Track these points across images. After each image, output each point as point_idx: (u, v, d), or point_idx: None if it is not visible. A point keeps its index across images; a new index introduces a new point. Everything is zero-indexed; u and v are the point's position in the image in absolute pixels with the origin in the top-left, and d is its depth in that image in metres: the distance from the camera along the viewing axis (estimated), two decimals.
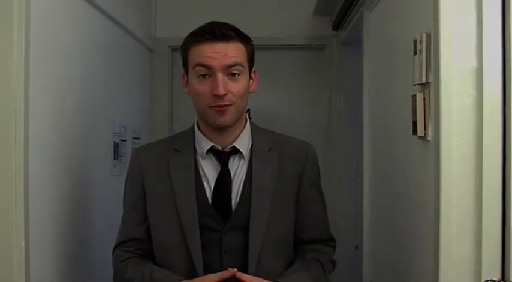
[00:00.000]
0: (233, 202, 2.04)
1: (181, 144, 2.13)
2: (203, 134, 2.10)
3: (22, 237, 2.10)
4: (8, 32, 2.06)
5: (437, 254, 1.80)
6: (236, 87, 1.97)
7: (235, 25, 2.04)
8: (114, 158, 3.40)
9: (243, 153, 2.07)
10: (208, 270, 1.97)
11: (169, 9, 4.49)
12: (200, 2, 4.43)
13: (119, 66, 3.52)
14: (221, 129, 2.03)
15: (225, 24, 2.02)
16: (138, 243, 2.13)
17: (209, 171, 2.06)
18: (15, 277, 2.09)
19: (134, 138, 3.85)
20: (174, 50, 4.56)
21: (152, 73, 4.47)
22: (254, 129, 2.15)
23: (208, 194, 2.04)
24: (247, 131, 2.11)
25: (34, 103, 2.19)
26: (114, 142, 3.40)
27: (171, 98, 4.58)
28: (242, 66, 1.99)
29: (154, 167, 2.10)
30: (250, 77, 2.07)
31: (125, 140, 3.61)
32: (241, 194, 2.04)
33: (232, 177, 2.05)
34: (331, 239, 2.23)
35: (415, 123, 2.02)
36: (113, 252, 2.17)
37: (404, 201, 2.24)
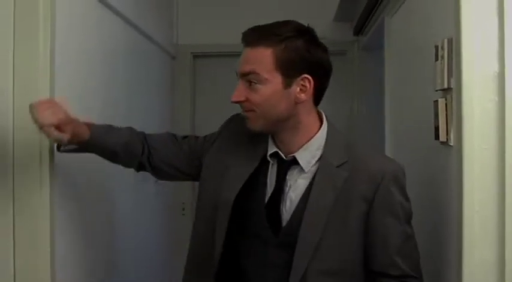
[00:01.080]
0: (284, 217, 1.89)
1: (262, 137, 1.98)
2: (272, 136, 1.96)
3: (48, 243, 2.12)
4: (34, 39, 2.08)
5: (460, 259, 1.80)
6: (254, 96, 1.84)
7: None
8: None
9: (303, 166, 1.89)
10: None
11: (191, 17, 4.53)
12: (221, 9, 4.47)
13: (141, 73, 3.56)
14: (276, 134, 1.92)
15: (259, 27, 1.87)
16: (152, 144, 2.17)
17: (272, 177, 1.93)
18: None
19: None
20: (195, 56, 4.60)
21: (174, 80, 4.51)
22: (330, 138, 1.92)
23: (265, 200, 1.92)
24: (316, 142, 1.91)
25: None
26: None
27: (193, 105, 4.61)
28: (257, 74, 1.81)
29: (230, 141, 2.06)
30: (288, 83, 1.82)
31: None
32: (294, 211, 1.88)
33: (287, 190, 1.90)
34: (409, 276, 1.89)
35: (437, 129, 2.02)
36: None
37: (426, 206, 2.24)
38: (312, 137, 1.91)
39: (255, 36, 1.84)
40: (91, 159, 2.50)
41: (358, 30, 4.13)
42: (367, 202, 1.85)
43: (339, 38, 4.40)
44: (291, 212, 1.88)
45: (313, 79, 1.83)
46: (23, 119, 2.04)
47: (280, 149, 1.92)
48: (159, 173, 2.23)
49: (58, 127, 1.85)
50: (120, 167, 2.93)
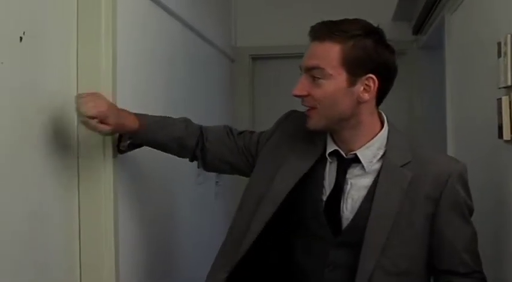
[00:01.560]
0: (346, 216, 1.87)
1: (320, 135, 1.95)
2: (331, 134, 1.93)
3: (112, 243, 2.17)
4: (96, 43, 2.13)
5: None
6: (316, 91, 1.81)
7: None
8: (198, 167, 3.45)
9: (364, 164, 1.86)
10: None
11: (249, 19, 4.56)
12: (279, 11, 4.48)
13: (200, 76, 3.59)
14: (335, 133, 1.90)
15: (329, 22, 1.84)
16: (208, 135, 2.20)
17: (330, 176, 1.91)
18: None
19: None
20: (254, 58, 4.62)
21: (233, 82, 4.54)
22: (392, 138, 1.89)
23: (323, 199, 1.90)
24: (378, 141, 1.87)
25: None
26: None
27: (252, 107, 4.64)
28: (322, 69, 1.79)
29: (288, 136, 2.03)
30: (353, 81, 1.80)
31: None
32: (358, 211, 1.85)
33: (347, 189, 1.88)
34: (476, 272, 1.88)
35: (500, 127, 1.99)
36: None
37: (488, 207, 2.21)
38: (374, 137, 1.88)
39: (324, 30, 1.82)
40: (152, 157, 2.54)
41: (418, 29, 4.08)
42: (433, 202, 1.82)
43: (397, 38, 4.31)
44: (354, 212, 1.85)
45: (378, 79, 1.80)
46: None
47: (339, 148, 1.89)
48: (211, 167, 2.25)
49: (100, 120, 1.90)
50: (181, 169, 2.98)
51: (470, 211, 1.88)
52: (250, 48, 4.56)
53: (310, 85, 1.83)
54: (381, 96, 1.87)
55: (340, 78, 1.79)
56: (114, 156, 2.18)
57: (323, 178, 1.91)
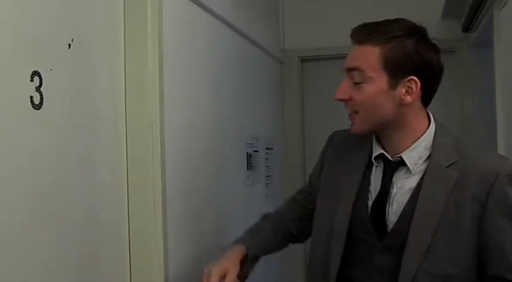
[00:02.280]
0: (391, 219, 1.84)
1: (367, 141, 1.95)
2: (376, 137, 1.93)
3: (161, 244, 2.22)
4: (143, 48, 2.20)
5: None
6: (358, 95, 1.81)
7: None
8: (247, 168, 3.49)
9: (410, 166, 1.83)
10: None
11: (297, 21, 4.57)
12: (327, 12, 4.48)
13: (249, 79, 3.63)
14: (381, 136, 1.89)
15: (368, 24, 1.84)
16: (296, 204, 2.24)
17: (376, 180, 1.89)
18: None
19: (267, 148, 3.94)
20: (303, 60, 4.63)
21: (282, 84, 4.55)
22: (439, 138, 1.85)
23: (369, 204, 1.88)
24: (424, 142, 1.84)
25: (169, 117, 2.31)
26: (247, 153, 3.50)
27: (301, 108, 4.64)
28: (362, 72, 1.79)
29: (337, 155, 2.05)
30: (394, 84, 1.78)
31: (257, 151, 3.70)
32: (402, 213, 1.82)
33: (394, 192, 1.85)
34: None
35: None
36: None
37: None
38: (419, 138, 1.85)
39: (364, 33, 1.82)
40: (200, 159, 2.58)
41: (467, 27, 4.03)
42: (480, 204, 1.76)
43: (447, 36, 4.30)
44: (398, 214, 1.83)
45: (421, 81, 1.78)
46: (134, 122, 2.19)
47: (385, 150, 1.88)
48: (307, 236, 2.21)
49: None
50: (231, 170, 3.01)
51: None
52: (299, 50, 4.57)
53: (352, 89, 1.83)
54: (426, 96, 1.84)
55: (381, 80, 1.78)
56: (162, 160, 2.23)
57: (369, 183, 1.90)
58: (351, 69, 1.83)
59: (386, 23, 1.83)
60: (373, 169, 1.91)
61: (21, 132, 1.61)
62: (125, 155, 2.18)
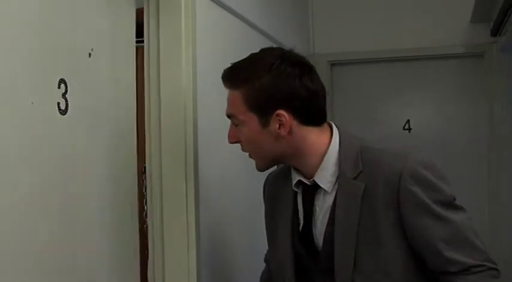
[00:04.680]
0: (319, 242, 1.84)
1: (290, 174, 1.93)
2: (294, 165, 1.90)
3: (194, 240, 2.26)
4: (178, 50, 2.26)
5: None
6: (241, 136, 1.83)
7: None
8: None
9: (324, 186, 1.81)
10: None
11: (326, 25, 4.61)
12: (356, 16, 4.52)
13: None
14: (290, 165, 1.90)
15: (229, 69, 1.86)
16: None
17: (301, 206, 1.89)
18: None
19: None
20: (332, 65, 4.67)
21: None
22: (344, 149, 1.82)
23: (299, 229, 1.90)
24: (330, 157, 1.81)
25: (203, 120, 2.37)
26: None
27: (331, 112, 4.64)
28: (236, 117, 1.81)
29: (272, 196, 2.02)
30: (265, 122, 1.77)
31: None
32: (325, 234, 1.82)
33: (317, 214, 1.84)
34: (474, 266, 1.73)
35: None
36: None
37: None
38: (325, 155, 1.81)
39: (225, 79, 1.85)
40: (232, 162, 2.63)
41: (496, 31, 4.04)
42: (393, 209, 1.73)
43: (476, 40, 4.33)
44: (322, 235, 1.83)
45: (289, 112, 1.75)
46: (169, 124, 2.25)
47: (303, 176, 1.85)
48: None
49: None
50: (260, 176, 3.04)
51: (444, 203, 1.75)
52: (328, 55, 4.60)
53: (236, 131, 1.85)
54: (307, 119, 1.80)
55: (252, 122, 1.79)
56: (195, 164, 2.29)
57: (297, 210, 1.90)
58: (228, 116, 1.86)
59: (242, 63, 1.84)
60: (298, 196, 1.90)
61: (50, 136, 1.69)
62: (159, 158, 2.26)
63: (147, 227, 2.34)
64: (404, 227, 1.74)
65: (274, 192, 2.00)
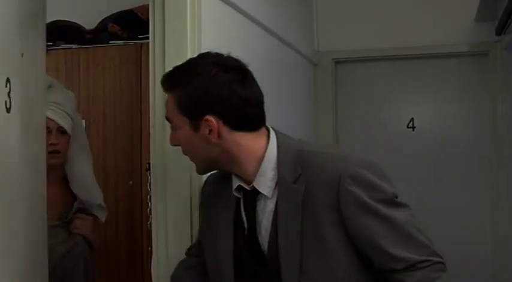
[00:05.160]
0: (264, 248, 1.84)
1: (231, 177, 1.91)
2: None
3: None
4: (183, 49, 2.27)
5: None
6: (178, 140, 1.86)
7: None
8: None
9: (264, 192, 1.80)
10: None
11: (330, 23, 4.61)
12: (361, 14, 4.52)
13: (284, 80, 3.68)
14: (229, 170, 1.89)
15: (166, 74, 1.89)
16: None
17: (243, 211, 1.88)
18: None
19: None
20: (337, 62, 4.68)
21: (316, 86, 4.60)
22: (282, 154, 1.81)
23: (246, 237, 1.88)
24: (267, 165, 1.80)
25: None
26: None
27: (335, 110, 4.68)
28: (171, 120, 1.84)
29: (212, 196, 2.00)
30: (195, 126, 1.79)
31: None
32: (269, 240, 1.81)
33: (260, 220, 1.84)
34: (420, 262, 1.72)
35: None
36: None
37: None
38: (262, 160, 1.81)
39: (162, 82, 1.88)
40: None
41: (501, 30, 4.04)
42: (335, 210, 1.73)
43: (480, 39, 4.32)
44: (267, 240, 1.82)
45: (218, 117, 1.77)
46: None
47: (243, 182, 1.85)
48: None
49: None
50: None
51: (385, 201, 1.75)
52: (333, 52, 4.61)
53: (175, 134, 1.87)
54: (239, 125, 1.80)
55: (184, 126, 1.80)
56: None
57: (241, 214, 1.89)
58: (166, 118, 1.89)
59: (179, 68, 1.86)
60: (241, 202, 1.89)
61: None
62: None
63: (150, 223, 2.36)
64: (347, 228, 1.73)
65: (214, 194, 1.99)
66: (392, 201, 1.77)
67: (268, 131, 1.87)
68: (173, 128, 1.86)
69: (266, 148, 1.82)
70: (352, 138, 4.61)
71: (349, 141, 4.62)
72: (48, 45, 3.29)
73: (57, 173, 2.64)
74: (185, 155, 1.90)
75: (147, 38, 2.37)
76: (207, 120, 1.76)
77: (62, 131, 2.58)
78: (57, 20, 3.54)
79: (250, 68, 3.00)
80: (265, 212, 1.82)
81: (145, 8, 3.03)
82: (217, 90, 1.76)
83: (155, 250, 2.29)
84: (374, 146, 4.53)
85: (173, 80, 1.83)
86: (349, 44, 4.57)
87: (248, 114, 1.81)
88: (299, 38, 4.08)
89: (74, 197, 2.69)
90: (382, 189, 1.76)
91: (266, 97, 3.31)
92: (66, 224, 2.59)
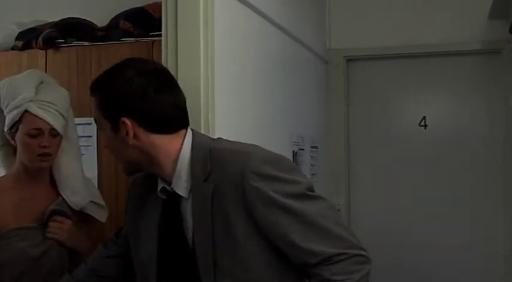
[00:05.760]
0: (191, 244, 1.84)
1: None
2: None
3: None
4: (195, 46, 2.27)
5: None
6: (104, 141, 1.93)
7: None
8: None
9: (181, 193, 1.83)
10: None
11: (342, 21, 4.59)
12: (373, 12, 4.49)
13: (296, 78, 3.68)
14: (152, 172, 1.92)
15: (97, 77, 1.91)
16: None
17: (170, 212, 1.90)
18: None
19: (312, 147, 3.98)
20: (349, 60, 4.66)
21: (328, 83, 4.59)
22: (195, 153, 1.83)
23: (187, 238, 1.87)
24: (182, 166, 1.82)
25: (219, 113, 2.38)
26: (293, 151, 3.56)
27: (347, 107, 4.66)
28: (96, 121, 1.89)
29: (138, 197, 2.01)
30: (115, 128, 1.82)
31: (303, 149, 3.76)
32: (192, 236, 1.83)
33: (185, 222, 1.85)
34: (335, 255, 1.70)
35: None
36: None
37: None
38: (177, 161, 1.83)
39: (90, 87, 1.90)
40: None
41: None
42: (243, 207, 1.73)
43: (493, 37, 4.28)
44: (191, 237, 1.83)
45: (132, 120, 1.79)
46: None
47: (167, 183, 1.87)
48: None
49: None
50: None
51: (294, 194, 1.73)
52: (345, 50, 4.58)
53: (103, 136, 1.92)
54: (155, 126, 1.82)
55: (106, 127, 1.85)
56: None
57: (167, 217, 1.90)
58: (94, 120, 1.92)
59: (105, 72, 1.89)
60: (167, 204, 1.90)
61: None
62: None
63: None
64: (258, 224, 1.73)
65: (141, 194, 1.99)
66: (304, 195, 1.75)
67: (186, 131, 1.89)
68: (100, 130, 1.91)
69: (180, 149, 1.84)
70: (364, 135, 4.60)
71: (360, 137, 4.61)
72: (59, 43, 3.36)
73: (45, 174, 2.53)
74: (114, 157, 1.97)
75: (159, 35, 2.36)
76: (123, 122, 1.79)
77: (54, 133, 2.43)
78: (68, 18, 3.55)
79: (263, 64, 3.01)
80: (187, 210, 1.84)
81: (156, 6, 3.04)
82: (131, 94, 1.79)
83: None
84: (386, 144, 4.53)
85: (96, 83, 1.88)
86: (361, 41, 4.55)
87: (163, 117, 1.83)
88: (311, 36, 4.07)
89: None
90: (289, 183, 1.75)
91: (278, 94, 3.32)
92: (42, 226, 2.44)
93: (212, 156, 1.79)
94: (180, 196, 1.84)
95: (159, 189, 1.89)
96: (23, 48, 3.48)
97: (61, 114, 2.45)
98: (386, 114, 4.60)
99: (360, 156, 4.58)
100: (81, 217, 2.58)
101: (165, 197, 1.88)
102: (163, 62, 2.29)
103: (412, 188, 4.48)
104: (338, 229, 1.74)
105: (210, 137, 1.97)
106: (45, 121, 2.40)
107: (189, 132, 1.88)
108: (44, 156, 2.42)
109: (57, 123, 2.43)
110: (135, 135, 1.80)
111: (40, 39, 3.38)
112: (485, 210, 4.33)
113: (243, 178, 1.71)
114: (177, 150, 1.83)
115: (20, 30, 3.56)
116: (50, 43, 3.38)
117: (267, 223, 1.72)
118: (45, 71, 3.34)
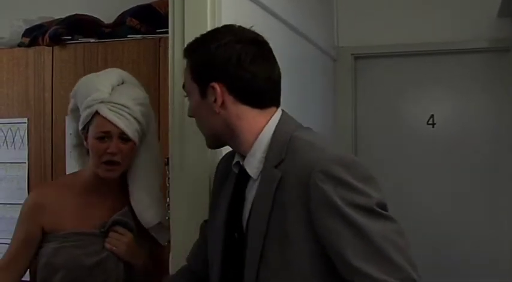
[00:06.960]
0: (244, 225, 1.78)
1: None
2: None
3: None
4: None
5: None
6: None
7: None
8: None
9: (250, 173, 1.76)
10: None
11: (350, 18, 4.58)
12: (381, 9, 4.49)
13: (303, 76, 3.66)
14: (231, 146, 1.89)
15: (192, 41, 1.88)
16: None
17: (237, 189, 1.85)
18: None
19: None
20: (357, 58, 4.65)
21: (336, 81, 4.58)
22: (277, 136, 1.75)
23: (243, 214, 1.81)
24: (259, 146, 1.76)
25: None
26: None
27: (355, 106, 4.65)
28: (185, 87, 1.86)
29: (222, 174, 1.96)
30: (203, 93, 1.78)
31: None
32: (246, 228, 1.75)
33: (245, 204, 1.78)
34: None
35: None
36: None
37: None
38: (255, 140, 1.77)
39: (184, 49, 1.89)
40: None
41: None
42: (303, 205, 1.61)
43: (502, 34, 4.26)
44: (246, 219, 1.76)
45: (224, 86, 1.75)
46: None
47: (243, 158, 1.82)
48: None
49: None
50: None
51: (361, 207, 1.57)
52: (353, 48, 4.58)
53: (190, 104, 1.89)
54: (246, 97, 1.77)
55: (194, 92, 1.81)
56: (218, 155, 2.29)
57: (234, 195, 1.85)
58: (183, 85, 1.89)
59: (201, 36, 1.86)
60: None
61: None
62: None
63: (169, 218, 2.33)
64: (316, 227, 1.60)
65: (226, 168, 1.94)
66: (372, 210, 1.58)
67: (276, 110, 1.84)
68: (189, 98, 1.86)
69: (263, 128, 1.78)
70: (372, 133, 4.59)
71: (368, 136, 4.60)
72: (66, 39, 3.35)
73: (116, 181, 2.39)
74: (198, 128, 1.89)
75: (165, 32, 2.36)
76: (212, 87, 1.74)
77: (124, 137, 2.29)
78: (75, 14, 3.55)
79: None
80: (251, 192, 1.77)
81: (163, 2, 3.02)
82: (225, 59, 1.74)
83: (173, 244, 2.28)
84: (393, 142, 4.53)
85: (190, 46, 1.84)
86: (369, 39, 4.54)
87: (254, 88, 1.78)
88: (319, 33, 4.05)
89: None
90: (360, 193, 1.59)
91: (286, 92, 3.29)
92: (102, 234, 2.33)
93: (290, 144, 1.70)
94: (249, 176, 1.78)
95: (233, 162, 1.85)
96: (30, 44, 3.48)
97: (135, 118, 2.31)
98: (394, 112, 4.59)
99: (367, 153, 4.57)
100: (144, 232, 2.43)
101: (237, 172, 1.84)
102: (170, 59, 2.29)
103: (420, 186, 4.47)
104: (398, 256, 1.54)
105: (299, 124, 1.86)
106: (115, 125, 2.27)
107: (279, 112, 1.83)
108: (110, 164, 2.29)
109: (128, 128, 2.28)
110: (222, 103, 1.75)
111: (47, 35, 3.39)
112: (494, 208, 4.31)
113: (310, 176, 1.60)
114: (260, 129, 1.77)
115: (26, 27, 3.57)
116: (56, 40, 3.38)
117: (322, 228, 1.59)
118: (52, 68, 3.34)
